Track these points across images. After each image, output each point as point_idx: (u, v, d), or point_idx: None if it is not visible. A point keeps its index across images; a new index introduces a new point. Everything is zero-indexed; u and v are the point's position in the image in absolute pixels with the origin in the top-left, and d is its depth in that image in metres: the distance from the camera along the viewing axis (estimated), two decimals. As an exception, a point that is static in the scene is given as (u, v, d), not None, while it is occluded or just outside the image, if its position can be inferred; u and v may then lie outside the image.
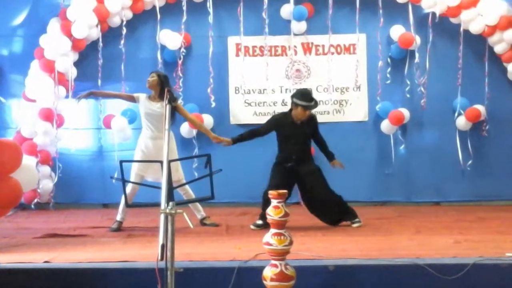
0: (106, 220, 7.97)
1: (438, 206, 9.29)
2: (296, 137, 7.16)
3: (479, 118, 9.14)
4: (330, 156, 7.37)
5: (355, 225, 7.16)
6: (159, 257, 3.53)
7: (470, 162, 9.28)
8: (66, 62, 8.89)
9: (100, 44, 9.12)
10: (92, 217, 8.36)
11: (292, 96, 7.18)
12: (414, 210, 8.68)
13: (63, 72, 8.94)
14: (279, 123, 7.26)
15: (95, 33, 9.06)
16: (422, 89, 9.28)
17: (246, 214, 8.39)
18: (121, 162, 4.69)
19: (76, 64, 9.12)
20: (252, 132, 7.40)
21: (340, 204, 7.22)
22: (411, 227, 7.13)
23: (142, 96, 7.29)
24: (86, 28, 8.85)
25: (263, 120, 9.31)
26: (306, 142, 7.27)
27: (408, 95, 9.36)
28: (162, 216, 3.67)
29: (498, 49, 9.06)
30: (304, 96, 7.06)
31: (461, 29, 9.11)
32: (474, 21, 9.00)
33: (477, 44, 9.20)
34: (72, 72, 9.03)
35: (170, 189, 3.97)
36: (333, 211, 7.21)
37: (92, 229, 7.29)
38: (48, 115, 8.87)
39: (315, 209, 7.27)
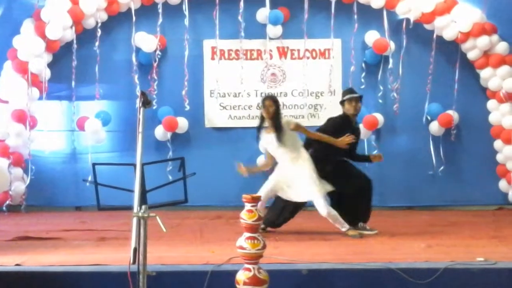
0: (78, 223, 7.93)
1: (411, 210, 9.36)
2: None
3: (452, 124, 9.24)
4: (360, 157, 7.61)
5: (369, 232, 7.10)
6: (131, 261, 3.50)
7: (442, 167, 9.38)
8: (40, 63, 8.82)
9: (75, 45, 9.07)
10: (64, 220, 8.29)
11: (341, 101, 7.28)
12: (387, 214, 8.72)
13: (36, 73, 8.86)
14: (341, 124, 7.19)
15: (70, 34, 9.00)
16: (395, 94, 9.35)
17: (220, 218, 8.39)
18: (93, 164, 4.66)
19: (50, 65, 9.06)
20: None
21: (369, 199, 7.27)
22: (384, 231, 7.16)
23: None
24: (61, 29, 8.79)
25: (238, 123, 9.37)
26: (353, 148, 7.29)
27: (380, 101, 9.43)
28: (134, 220, 3.65)
29: (471, 55, 9.17)
30: (344, 92, 7.34)
31: (434, 36, 9.19)
32: (447, 27, 9.10)
33: (451, 50, 9.29)
34: (46, 74, 8.96)
35: (143, 192, 3.95)
36: (362, 204, 7.22)
37: (64, 232, 7.21)
38: (21, 117, 8.79)
39: (349, 199, 7.18)
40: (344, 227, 6.86)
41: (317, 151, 7.14)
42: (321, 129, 7.25)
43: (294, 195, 6.83)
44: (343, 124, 7.16)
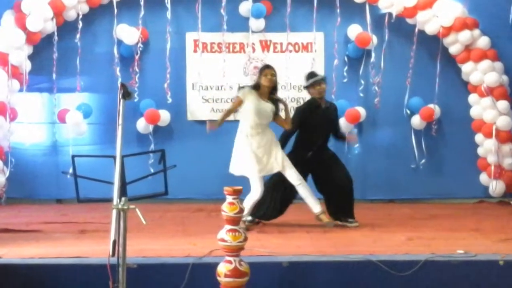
0: (59, 216, 7.89)
1: (392, 203, 9.39)
2: (323, 123, 7.21)
3: (434, 118, 9.29)
4: (343, 137, 7.62)
5: (352, 225, 7.12)
6: (111, 253, 3.49)
7: (423, 160, 9.43)
8: (20, 56, 8.73)
9: (55, 37, 8.98)
10: (45, 212, 8.24)
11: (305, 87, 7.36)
12: (369, 207, 8.75)
13: (17, 65, 8.78)
14: (307, 110, 7.29)
15: (50, 26, 8.92)
16: (376, 88, 9.37)
17: (202, 211, 8.37)
18: (73, 156, 4.65)
19: (30, 57, 8.96)
20: (287, 138, 7.26)
21: (350, 196, 7.22)
22: (365, 224, 7.19)
23: (248, 91, 6.85)
24: (41, 21, 8.71)
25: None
26: (329, 129, 7.33)
27: (361, 94, 9.44)
28: (114, 212, 3.64)
29: (453, 50, 9.21)
30: (307, 77, 7.31)
31: (416, 30, 9.22)
32: (429, 22, 9.13)
33: (433, 44, 9.32)
34: (26, 66, 8.87)
35: (123, 184, 3.93)
36: (343, 202, 7.17)
37: (45, 225, 7.18)
38: (1, 109, 8.70)
39: (330, 195, 7.23)
40: (316, 208, 6.91)
41: (298, 137, 7.29)
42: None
43: (273, 166, 6.83)
44: (309, 109, 7.25)
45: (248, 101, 6.78)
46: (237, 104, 6.90)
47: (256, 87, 6.85)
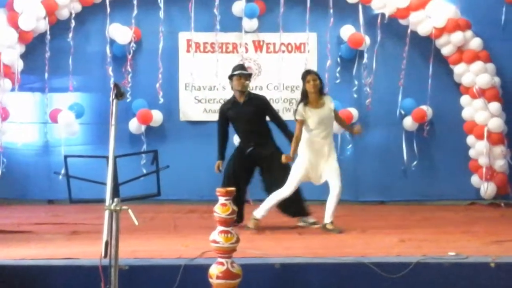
0: (50, 217, 7.86)
1: (384, 205, 9.40)
2: (244, 117, 7.15)
3: (426, 119, 9.31)
4: (291, 136, 7.25)
5: (316, 225, 7.10)
6: (103, 254, 3.47)
7: (415, 162, 9.44)
8: (12, 54, 8.70)
9: (48, 36, 8.96)
10: (36, 213, 8.22)
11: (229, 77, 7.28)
12: (360, 209, 8.77)
13: (9, 64, 8.74)
14: (224, 108, 7.32)
15: (43, 25, 8.89)
16: (368, 89, 9.38)
17: (194, 212, 8.37)
18: (65, 157, 4.63)
19: (22, 56, 8.93)
20: (219, 139, 7.34)
21: (297, 194, 7.11)
22: (357, 226, 7.20)
23: (303, 109, 6.79)
24: (34, 20, 8.68)
25: (213, 117, 9.32)
26: (255, 121, 7.19)
27: (355, 95, 9.45)
28: (106, 213, 3.62)
29: (445, 51, 9.23)
30: (234, 68, 7.26)
31: (409, 31, 9.23)
32: (422, 23, 9.14)
33: (425, 45, 9.34)
34: (19, 65, 8.83)
35: (115, 185, 3.92)
36: (292, 200, 7.05)
37: (36, 226, 7.15)
38: (-8, 108, 8.69)
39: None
40: (327, 219, 6.90)
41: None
42: None
43: (322, 175, 6.92)
44: (226, 107, 7.34)
45: (308, 117, 6.77)
46: (301, 126, 6.79)
47: (305, 96, 6.80)
